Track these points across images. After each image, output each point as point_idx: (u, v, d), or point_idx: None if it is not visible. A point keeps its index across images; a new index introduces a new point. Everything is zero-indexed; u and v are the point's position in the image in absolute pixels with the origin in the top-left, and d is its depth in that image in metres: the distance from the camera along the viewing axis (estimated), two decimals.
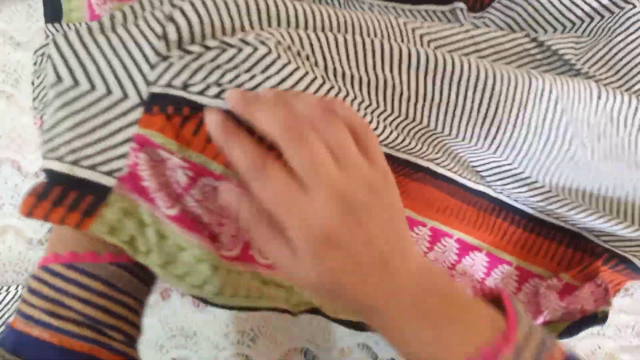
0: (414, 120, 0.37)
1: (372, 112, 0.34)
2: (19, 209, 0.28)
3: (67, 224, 0.28)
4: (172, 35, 0.28)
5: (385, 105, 0.35)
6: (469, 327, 0.26)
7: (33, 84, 0.46)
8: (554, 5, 0.42)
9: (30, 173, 0.50)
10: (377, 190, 0.26)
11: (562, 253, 0.41)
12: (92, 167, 0.28)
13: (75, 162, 0.28)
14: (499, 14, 0.43)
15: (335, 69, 0.33)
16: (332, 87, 0.32)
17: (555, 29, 0.43)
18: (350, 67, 0.33)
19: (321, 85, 0.31)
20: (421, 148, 0.36)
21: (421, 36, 0.38)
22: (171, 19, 0.28)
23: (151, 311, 0.48)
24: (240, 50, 0.29)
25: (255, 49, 0.29)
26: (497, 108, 0.37)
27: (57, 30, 0.49)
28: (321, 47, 0.32)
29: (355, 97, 0.34)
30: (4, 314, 0.46)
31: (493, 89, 0.36)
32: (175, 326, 0.48)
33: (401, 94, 0.36)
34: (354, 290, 0.26)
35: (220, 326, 0.49)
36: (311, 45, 0.32)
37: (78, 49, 0.27)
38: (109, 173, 0.29)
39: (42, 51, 0.48)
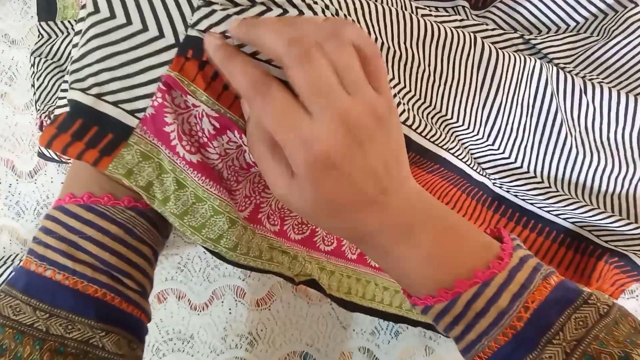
0: (430, 104, 0.39)
1: (402, 96, 0.37)
2: (38, 140, 0.29)
3: (84, 159, 0.29)
4: None
5: (409, 84, 0.38)
6: (463, 251, 0.28)
7: (33, 85, 0.48)
8: (559, 6, 0.45)
9: (24, 172, 0.52)
10: (381, 117, 0.27)
11: (563, 254, 0.43)
12: (116, 104, 0.29)
13: (99, 96, 0.29)
14: (501, 13, 0.46)
15: (375, 40, 0.35)
16: None
17: (558, 28, 0.45)
18: (387, 39, 0.35)
19: None
20: (441, 135, 0.39)
21: (422, 16, 0.40)
22: None
23: None
24: (285, 12, 0.29)
25: (301, 13, 0.30)
26: (497, 88, 0.40)
27: (51, 29, 0.52)
28: (363, 14, 0.34)
29: (387, 74, 0.36)
30: None
31: (495, 67, 0.39)
32: (172, 329, 0.50)
33: (423, 71, 0.38)
34: (349, 215, 0.27)
35: (217, 329, 0.51)
36: (356, 10, 0.33)
37: None
38: (132, 112, 0.29)
39: (39, 51, 0.50)
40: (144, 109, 0.29)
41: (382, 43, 0.35)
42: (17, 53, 0.54)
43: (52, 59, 0.50)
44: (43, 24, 0.52)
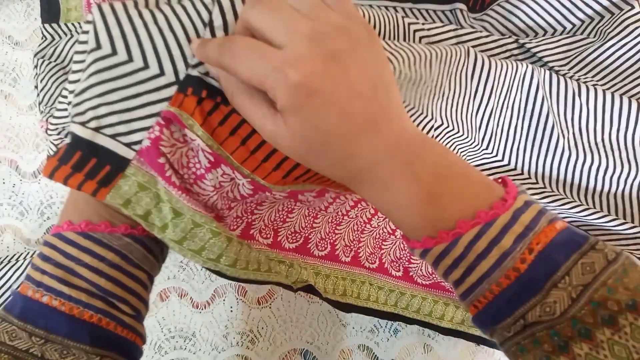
0: (432, 117, 0.41)
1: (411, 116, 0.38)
2: (42, 170, 0.29)
3: (84, 190, 0.30)
4: (217, 21, 0.29)
5: (414, 102, 0.39)
6: (466, 190, 0.26)
7: (36, 87, 0.48)
8: (555, 9, 0.45)
9: (28, 173, 0.53)
10: (357, 37, 0.26)
11: None
12: (113, 137, 0.30)
13: (97, 129, 0.30)
14: (498, 16, 0.46)
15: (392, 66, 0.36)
16: None
17: (555, 31, 0.46)
18: (398, 64, 0.36)
19: None
20: None
21: (414, 32, 0.42)
22: (217, 1, 0.30)
23: (150, 312, 0.51)
24: None
25: None
26: (490, 94, 0.41)
27: (55, 31, 0.52)
28: None
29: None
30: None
31: (488, 74, 0.41)
32: (174, 327, 0.51)
33: (427, 87, 0.39)
34: (341, 146, 0.26)
35: (219, 327, 0.51)
36: None
37: (122, 19, 0.29)
38: (129, 145, 0.30)
39: (42, 53, 0.50)
40: (139, 142, 0.30)
41: (395, 69, 0.36)
42: (20, 54, 0.55)
43: (55, 61, 0.50)
44: (46, 25, 0.52)
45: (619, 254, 0.25)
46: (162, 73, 0.30)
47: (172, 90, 0.30)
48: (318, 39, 0.25)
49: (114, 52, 0.29)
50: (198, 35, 0.29)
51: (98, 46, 0.29)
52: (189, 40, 0.29)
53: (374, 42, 0.27)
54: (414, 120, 0.39)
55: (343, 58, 0.25)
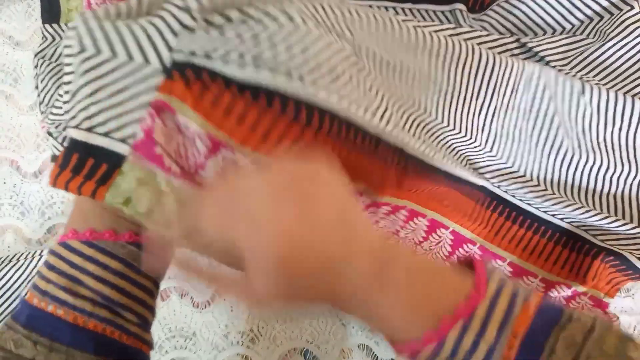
0: (425, 111, 0.40)
1: (396, 109, 0.37)
2: (48, 180, 0.30)
3: (83, 192, 0.30)
4: (193, 3, 0.30)
5: (400, 92, 0.38)
6: (440, 288, 0.27)
7: (37, 87, 0.48)
8: (554, 9, 0.45)
9: (29, 173, 0.53)
10: (307, 193, 0.27)
11: (559, 253, 0.44)
12: (106, 134, 0.30)
13: (90, 129, 0.30)
14: (498, 16, 0.46)
15: (360, 44, 0.35)
16: (358, 62, 0.34)
17: (554, 30, 0.46)
18: (375, 45, 0.36)
19: (348, 57, 0.33)
20: (431, 152, 0.40)
21: (414, 28, 0.41)
22: None
23: None
24: (260, 21, 0.31)
25: (276, 19, 0.31)
26: (492, 93, 0.41)
27: (55, 31, 0.52)
28: (345, 19, 0.35)
29: (377, 89, 0.36)
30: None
31: (492, 73, 0.40)
32: (175, 327, 0.51)
33: (419, 80, 0.39)
34: (317, 299, 0.28)
35: (219, 327, 0.51)
36: (335, 14, 0.34)
37: (104, 22, 0.29)
38: (123, 140, 0.30)
39: (43, 53, 0.50)
40: (133, 135, 0.30)
41: (375, 53, 0.36)
42: (21, 55, 0.55)
43: (55, 61, 0.50)
44: (47, 26, 0.52)
45: (594, 322, 0.26)
46: (147, 62, 0.30)
47: (159, 78, 0.30)
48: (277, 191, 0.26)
49: (98, 51, 0.29)
50: (180, 22, 0.29)
51: (82, 49, 0.29)
52: (169, 27, 0.30)
53: (317, 182, 0.27)
54: (397, 110, 0.38)
55: (305, 204, 0.26)
